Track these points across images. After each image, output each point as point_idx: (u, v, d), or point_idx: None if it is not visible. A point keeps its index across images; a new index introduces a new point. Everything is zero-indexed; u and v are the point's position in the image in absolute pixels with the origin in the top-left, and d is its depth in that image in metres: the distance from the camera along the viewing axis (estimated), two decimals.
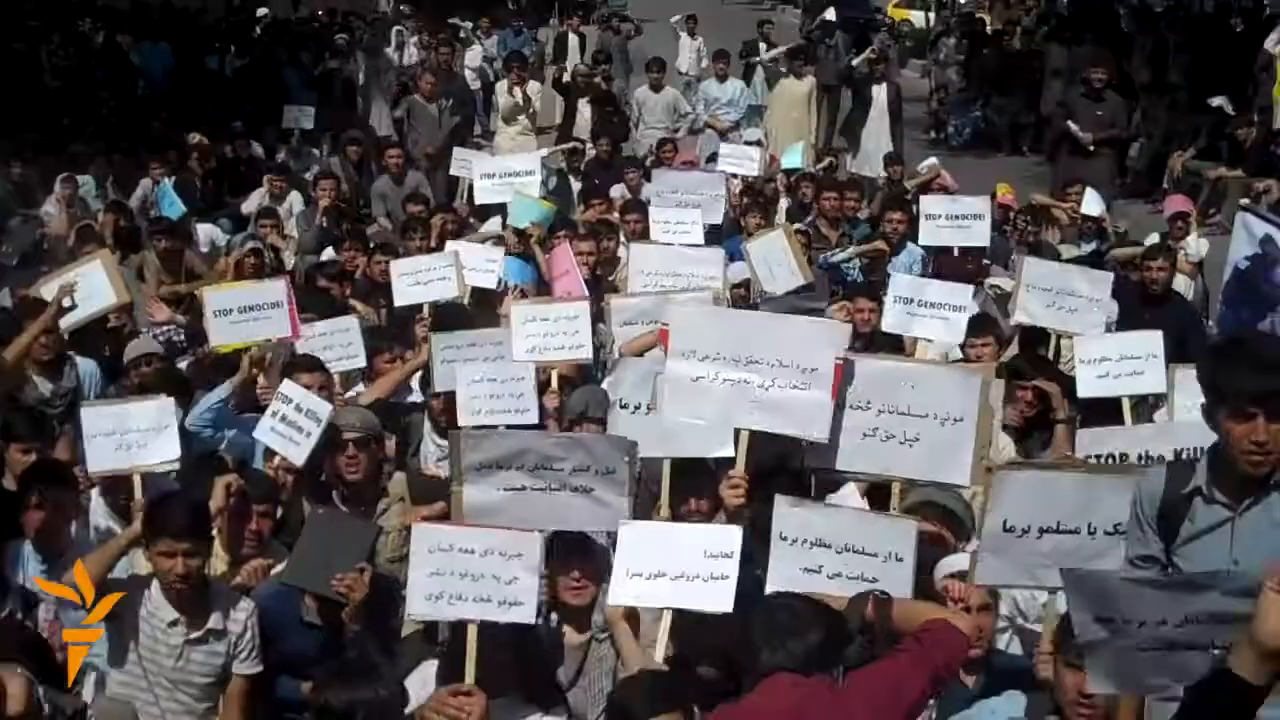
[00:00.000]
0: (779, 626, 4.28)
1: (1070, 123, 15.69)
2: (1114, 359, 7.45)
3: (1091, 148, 15.45)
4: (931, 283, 8.87)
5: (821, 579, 4.83)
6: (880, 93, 17.01)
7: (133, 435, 6.59)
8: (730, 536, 5.03)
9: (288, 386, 6.96)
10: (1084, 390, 7.43)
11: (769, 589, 4.91)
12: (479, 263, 9.69)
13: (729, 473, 5.52)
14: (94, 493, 6.86)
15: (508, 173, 12.00)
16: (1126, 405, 7.35)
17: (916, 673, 4.31)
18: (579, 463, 5.40)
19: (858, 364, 5.49)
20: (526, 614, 4.99)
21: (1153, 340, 7.47)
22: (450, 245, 10.19)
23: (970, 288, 8.88)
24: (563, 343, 7.68)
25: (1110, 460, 6.36)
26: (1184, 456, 5.93)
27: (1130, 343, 7.57)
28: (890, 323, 8.62)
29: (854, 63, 18.50)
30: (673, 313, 5.95)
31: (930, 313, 8.45)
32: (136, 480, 6.57)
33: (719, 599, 4.90)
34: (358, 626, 5.58)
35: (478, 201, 12.11)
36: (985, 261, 10.73)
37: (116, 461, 6.59)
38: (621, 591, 5.05)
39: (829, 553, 4.87)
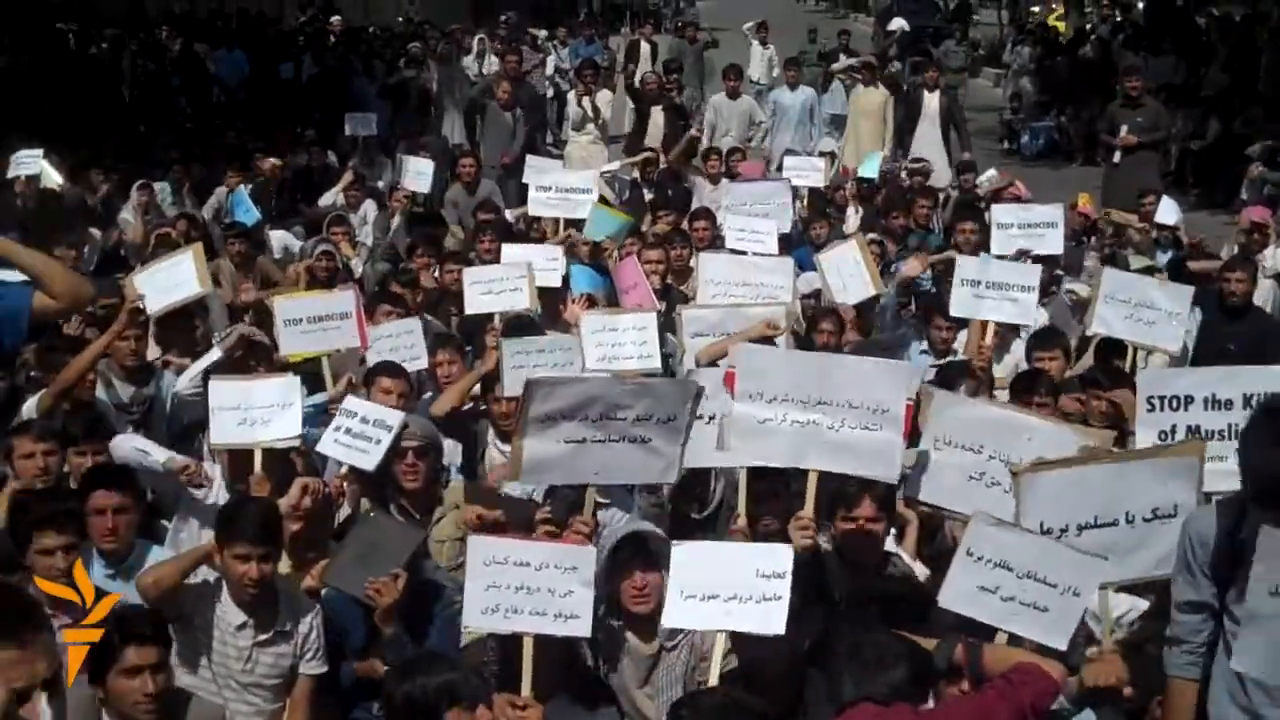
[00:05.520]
0: (865, 660, 4.26)
1: (1116, 131, 15.59)
2: None
3: (1117, 157, 15.35)
4: (997, 263, 8.76)
5: (995, 600, 4.77)
6: (932, 101, 16.85)
7: (256, 411, 6.71)
8: (782, 556, 4.96)
9: (351, 401, 6.98)
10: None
11: (941, 601, 4.88)
12: (541, 262, 9.72)
13: (798, 514, 5.49)
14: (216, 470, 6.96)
15: (564, 188, 11.87)
16: None
17: (1002, 707, 4.29)
18: (643, 411, 5.37)
19: (977, 409, 5.50)
20: (582, 627, 5.01)
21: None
22: (507, 250, 10.19)
23: (1038, 267, 8.79)
24: (632, 352, 7.73)
25: None
26: None
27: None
28: (958, 307, 8.53)
29: (896, 68, 18.31)
30: (739, 355, 5.92)
31: (998, 294, 8.36)
32: (257, 455, 6.67)
33: (772, 620, 4.83)
34: (391, 630, 5.59)
35: (530, 214, 12.11)
36: (1058, 271, 10.60)
37: (239, 436, 6.68)
38: (676, 615, 5.02)
39: (1010, 576, 4.77)
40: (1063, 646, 4.73)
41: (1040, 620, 4.69)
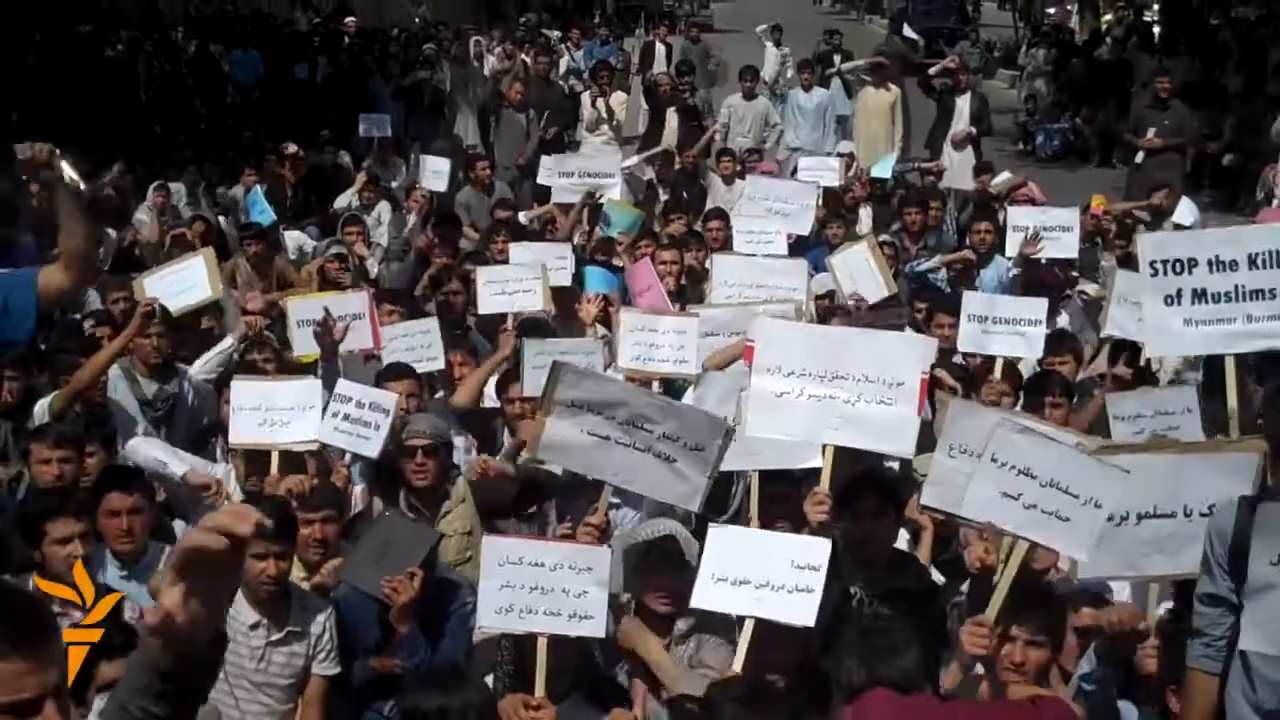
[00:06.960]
0: (875, 646, 4.24)
1: (1142, 132, 15.68)
2: (1149, 415, 7.21)
3: (1140, 157, 15.31)
4: (1004, 298, 8.68)
5: (1017, 506, 4.70)
6: (964, 103, 16.81)
7: (277, 413, 6.78)
8: (820, 549, 4.96)
9: (344, 385, 7.01)
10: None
11: (965, 512, 4.86)
12: (551, 261, 9.68)
13: (814, 489, 5.47)
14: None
15: (587, 173, 11.99)
16: None
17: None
18: (671, 430, 5.33)
19: (991, 417, 5.45)
20: (596, 628, 4.99)
21: (1187, 395, 7.20)
22: (515, 249, 10.13)
23: (1045, 301, 8.73)
24: (668, 355, 7.51)
25: None
26: None
27: (1164, 399, 7.19)
28: (966, 342, 8.45)
29: (930, 72, 18.30)
30: (758, 328, 5.88)
31: (1006, 329, 8.24)
32: (274, 456, 6.72)
33: (803, 612, 4.84)
34: (406, 628, 5.60)
35: (554, 200, 12.14)
36: (1073, 274, 10.58)
37: (258, 436, 6.74)
38: (704, 595, 5.02)
39: (1033, 483, 4.69)
40: (1083, 557, 4.72)
41: (1061, 529, 4.65)
